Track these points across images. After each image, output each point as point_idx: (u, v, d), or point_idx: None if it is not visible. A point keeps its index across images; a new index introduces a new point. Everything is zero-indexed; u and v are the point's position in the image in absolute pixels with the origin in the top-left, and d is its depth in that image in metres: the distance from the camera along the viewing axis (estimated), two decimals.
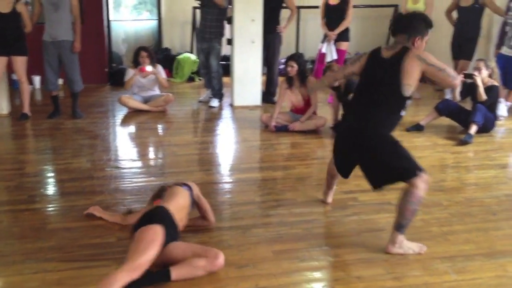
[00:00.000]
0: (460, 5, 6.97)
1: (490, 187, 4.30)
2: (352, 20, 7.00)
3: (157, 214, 2.99)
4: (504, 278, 2.97)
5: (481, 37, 6.94)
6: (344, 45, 7.03)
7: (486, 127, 5.74)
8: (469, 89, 5.80)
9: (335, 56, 6.83)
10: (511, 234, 3.48)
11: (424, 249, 3.23)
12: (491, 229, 3.55)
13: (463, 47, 7.03)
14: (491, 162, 4.94)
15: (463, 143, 5.40)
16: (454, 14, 7.18)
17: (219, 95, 7.13)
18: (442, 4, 7.22)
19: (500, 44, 6.33)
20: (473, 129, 5.52)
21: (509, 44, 6.16)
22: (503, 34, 6.28)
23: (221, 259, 2.89)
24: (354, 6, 7.07)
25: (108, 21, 8.49)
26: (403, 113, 3.23)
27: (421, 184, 3.08)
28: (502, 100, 6.22)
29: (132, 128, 6.30)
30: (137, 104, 6.65)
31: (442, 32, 7.47)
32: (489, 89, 5.73)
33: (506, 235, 3.46)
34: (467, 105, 5.98)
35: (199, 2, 6.96)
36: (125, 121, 6.41)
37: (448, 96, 6.94)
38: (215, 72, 7.04)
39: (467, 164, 4.91)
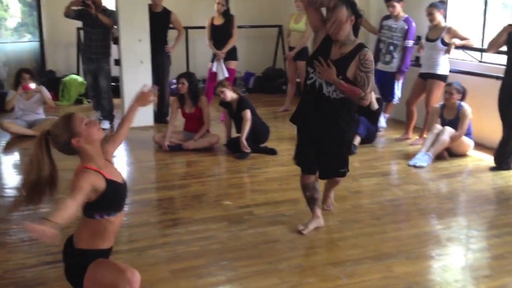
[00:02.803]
0: None
1: (374, 194, 4.59)
2: (238, 40, 7.19)
3: None
4: (390, 279, 3.17)
5: None
6: (233, 64, 7.19)
7: (369, 138, 6.12)
8: None
9: (226, 74, 6.96)
10: (394, 237, 3.74)
11: None
12: (376, 233, 3.79)
13: None
14: (374, 170, 5.27)
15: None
16: None
17: (110, 116, 6.96)
18: None
19: (375, 60, 6.79)
20: (357, 140, 5.86)
21: (384, 60, 6.64)
22: (377, 51, 6.74)
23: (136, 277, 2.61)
24: (239, 27, 7.26)
25: None
26: None
27: None
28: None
29: (16, 155, 5.96)
30: (20, 129, 6.29)
31: None
32: (375, 101, 6.14)
33: (390, 238, 3.71)
34: None
35: (83, 21, 6.77)
36: (7, 148, 6.05)
37: None
38: (105, 93, 6.87)
39: (353, 173, 5.15)
